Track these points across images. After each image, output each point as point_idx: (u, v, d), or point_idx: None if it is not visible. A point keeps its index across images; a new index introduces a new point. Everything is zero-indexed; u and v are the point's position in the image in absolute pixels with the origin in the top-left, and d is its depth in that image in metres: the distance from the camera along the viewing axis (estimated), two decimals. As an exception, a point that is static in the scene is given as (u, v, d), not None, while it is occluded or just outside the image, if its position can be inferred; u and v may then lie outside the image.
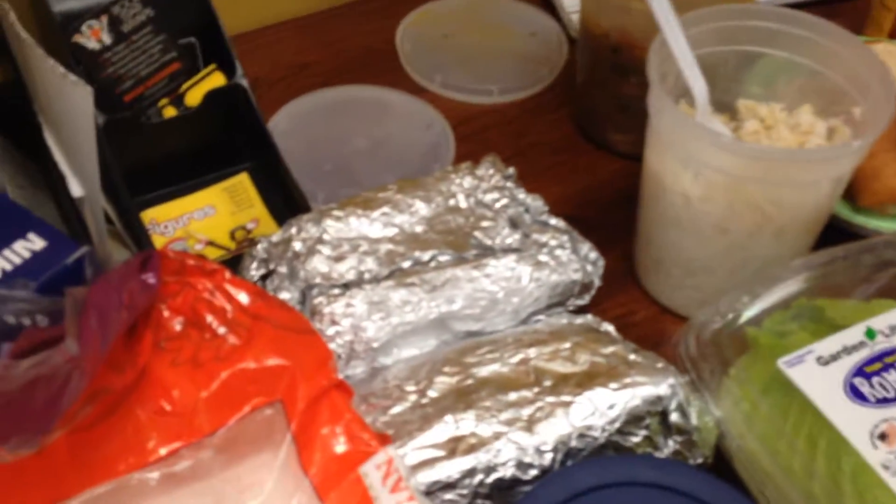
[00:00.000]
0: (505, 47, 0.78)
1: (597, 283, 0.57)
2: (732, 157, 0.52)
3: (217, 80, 0.64)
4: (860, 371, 0.47)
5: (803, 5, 0.80)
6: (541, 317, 0.55)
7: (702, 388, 0.49)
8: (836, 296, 0.53)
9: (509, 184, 0.60)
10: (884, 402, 0.46)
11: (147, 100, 0.64)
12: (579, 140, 0.72)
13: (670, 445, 0.48)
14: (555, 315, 0.56)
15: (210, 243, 0.61)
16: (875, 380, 0.47)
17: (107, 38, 0.61)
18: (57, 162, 0.57)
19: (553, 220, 0.58)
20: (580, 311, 0.57)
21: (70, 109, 0.49)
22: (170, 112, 0.64)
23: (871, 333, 0.49)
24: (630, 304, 0.61)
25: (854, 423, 0.45)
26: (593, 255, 0.57)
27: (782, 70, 0.59)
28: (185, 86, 0.64)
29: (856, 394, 0.46)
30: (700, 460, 0.48)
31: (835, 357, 0.48)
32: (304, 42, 0.79)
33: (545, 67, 0.76)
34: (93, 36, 0.61)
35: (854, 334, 0.49)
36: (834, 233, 0.60)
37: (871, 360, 0.48)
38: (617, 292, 0.61)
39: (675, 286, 0.59)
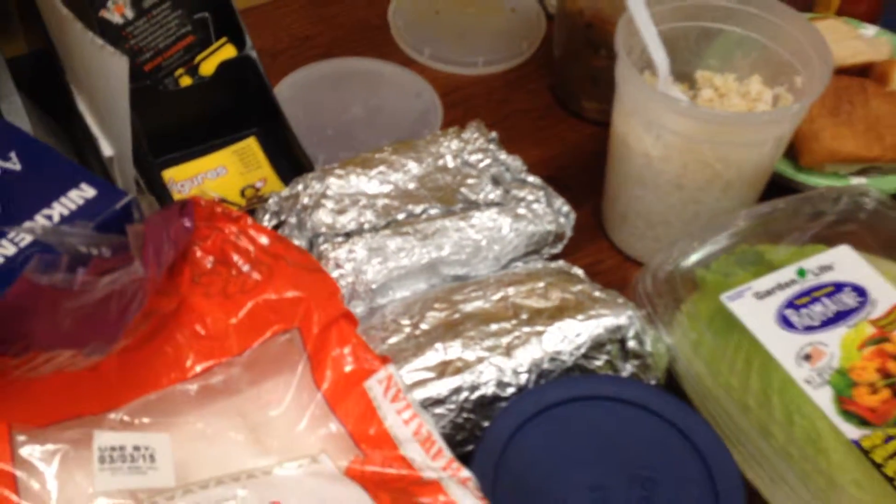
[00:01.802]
0: (489, 23, 0.85)
1: (569, 233, 0.65)
2: (688, 121, 0.60)
3: (229, 51, 0.71)
4: (791, 304, 0.55)
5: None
6: (519, 263, 0.63)
7: (656, 320, 0.57)
8: (775, 241, 0.61)
9: (492, 146, 0.68)
10: (810, 329, 0.54)
11: (165, 70, 0.71)
12: (556, 108, 0.79)
13: (628, 368, 0.56)
14: (531, 261, 0.63)
15: (223, 200, 0.68)
16: (803, 311, 0.55)
17: (129, 13, 0.68)
18: (89, 125, 0.64)
19: (531, 178, 0.66)
20: (554, 258, 0.65)
21: (107, 77, 0.56)
22: (186, 81, 0.70)
23: (802, 272, 0.57)
24: (598, 253, 0.69)
25: (783, 346, 0.53)
26: (566, 208, 0.65)
27: (737, 44, 0.67)
28: (199, 57, 0.71)
29: (786, 323, 0.54)
30: (654, 381, 0.56)
31: (770, 292, 0.56)
32: (306, 16, 0.86)
33: (525, 41, 0.83)
34: (117, 11, 0.67)
35: (787, 273, 0.57)
36: (779, 189, 0.68)
37: (800, 295, 0.56)
38: (587, 243, 0.69)
39: (638, 237, 0.67)
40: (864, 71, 0.72)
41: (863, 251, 0.59)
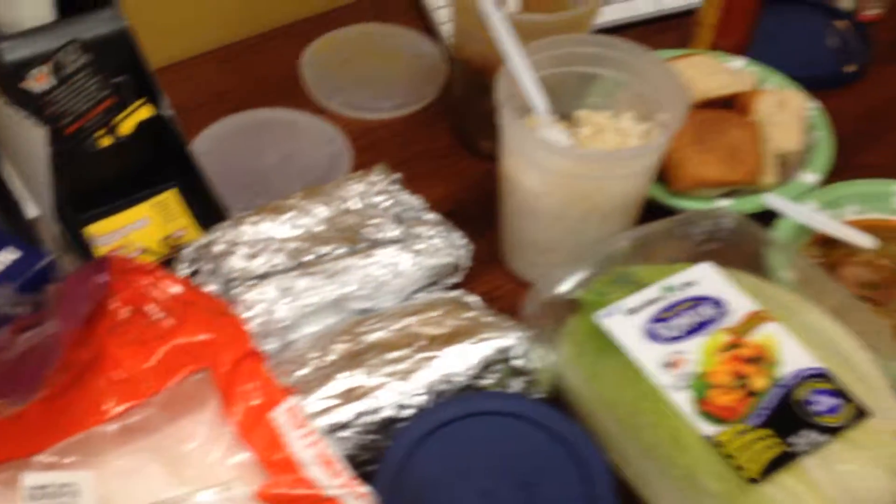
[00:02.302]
0: (394, 70, 0.91)
1: (467, 263, 0.71)
2: (564, 160, 0.66)
3: (146, 111, 0.76)
4: (657, 318, 0.62)
5: (641, 24, 0.95)
6: (421, 294, 0.69)
7: (542, 339, 0.63)
8: (650, 261, 0.67)
9: (395, 187, 0.74)
10: (673, 339, 0.60)
11: (86, 132, 0.76)
12: (456, 147, 0.85)
13: (516, 385, 0.62)
14: (432, 292, 0.69)
15: (145, 250, 0.73)
16: (668, 324, 0.61)
17: (51, 82, 0.72)
18: (14, 188, 0.69)
19: (430, 215, 0.72)
20: (455, 287, 0.71)
21: (28, 144, 0.61)
22: (106, 141, 0.75)
23: (668, 289, 0.63)
24: (496, 280, 0.75)
25: (650, 357, 0.59)
26: (463, 241, 0.71)
27: (612, 85, 0.73)
28: (118, 118, 0.76)
29: (652, 335, 0.61)
30: (541, 395, 0.62)
31: (638, 309, 0.62)
32: (221, 71, 0.91)
33: (429, 86, 0.89)
34: (38, 81, 0.72)
35: (655, 290, 0.63)
36: (657, 212, 0.74)
37: (666, 309, 0.62)
38: (486, 271, 0.75)
39: (530, 264, 0.73)
40: (730, 101, 0.80)
41: (724, 266, 0.66)
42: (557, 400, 0.62)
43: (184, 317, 0.55)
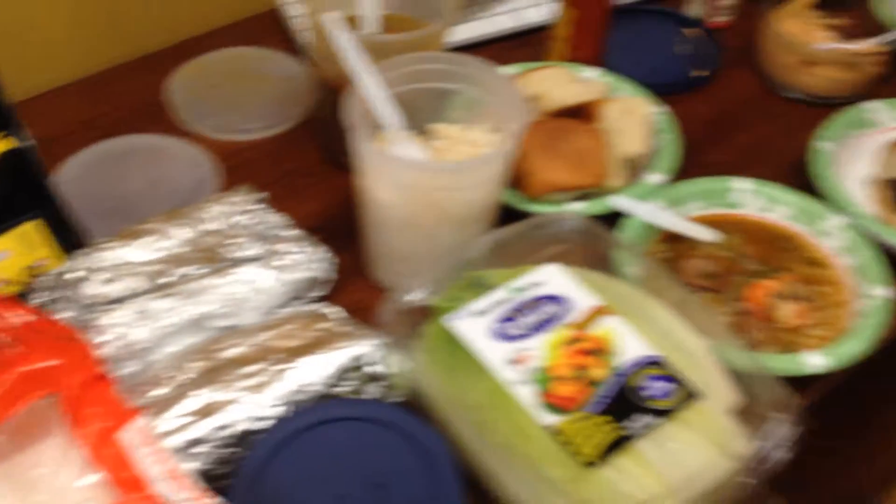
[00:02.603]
0: (263, 91, 0.93)
1: (331, 276, 0.73)
2: (412, 173, 0.69)
3: (5, 144, 0.76)
4: (503, 318, 0.65)
5: (503, 38, 0.99)
6: (286, 309, 0.71)
7: (398, 345, 0.65)
8: (502, 265, 0.70)
9: (258, 206, 0.75)
10: (519, 338, 0.63)
11: (-56, 166, 0.76)
12: (324, 164, 0.87)
13: (373, 391, 0.64)
14: (295, 306, 0.71)
15: (7, 282, 0.73)
16: (515, 322, 0.64)
17: None
18: None
19: (292, 232, 0.74)
20: (321, 300, 0.73)
21: None
22: (-34, 175, 0.75)
23: (516, 290, 0.66)
24: (363, 290, 0.77)
25: (496, 355, 0.62)
26: (325, 255, 0.73)
27: (466, 99, 0.76)
28: (-23, 151, 0.76)
29: (500, 335, 0.64)
30: (398, 399, 0.64)
31: (487, 310, 0.65)
32: (87, 100, 0.92)
33: (297, 106, 0.91)
34: None
35: (504, 292, 0.66)
36: (515, 218, 0.77)
37: (513, 309, 0.65)
38: (354, 283, 0.77)
39: (392, 273, 0.76)
40: (581, 110, 0.84)
41: (573, 266, 0.69)
42: (414, 403, 0.65)
43: (31, 344, 0.56)
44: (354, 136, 0.69)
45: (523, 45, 0.98)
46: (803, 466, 1.55)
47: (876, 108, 0.87)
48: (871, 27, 0.94)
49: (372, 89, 0.71)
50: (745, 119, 0.92)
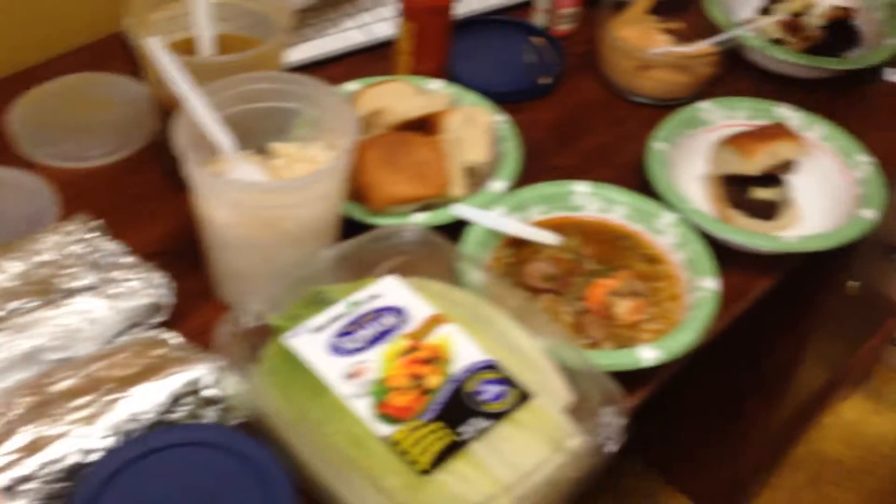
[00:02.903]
0: (106, 116, 0.91)
1: (170, 301, 0.72)
2: (243, 195, 0.69)
3: None
4: (341, 333, 0.65)
5: (355, 53, 0.99)
6: (124, 337, 0.69)
7: (235, 367, 0.65)
8: (345, 279, 0.71)
9: (94, 234, 0.74)
10: (356, 351, 0.64)
11: None
12: (169, 186, 0.86)
13: (210, 414, 0.63)
14: (134, 333, 0.70)
15: None
16: (352, 337, 0.65)
17: None
18: None
19: (129, 259, 0.72)
20: (163, 326, 0.72)
21: None
22: None
23: (353, 304, 0.67)
24: (209, 313, 0.76)
25: (333, 370, 0.63)
26: (163, 280, 0.72)
27: (304, 116, 0.77)
28: None
29: (337, 350, 0.64)
30: (237, 422, 0.64)
31: (325, 326, 0.65)
32: (-80, 134, 0.88)
33: (141, 130, 0.90)
34: None
35: (342, 306, 0.67)
36: (359, 231, 0.78)
37: (350, 323, 0.65)
38: (200, 306, 0.76)
39: (237, 293, 0.75)
40: (425, 122, 0.85)
41: (413, 276, 0.70)
42: (254, 425, 0.64)
43: None
44: (185, 161, 0.69)
45: (376, 59, 0.98)
46: (691, 458, 1.61)
47: (708, 108, 0.91)
48: (706, 29, 0.98)
49: (200, 112, 0.70)
50: (589, 123, 0.95)
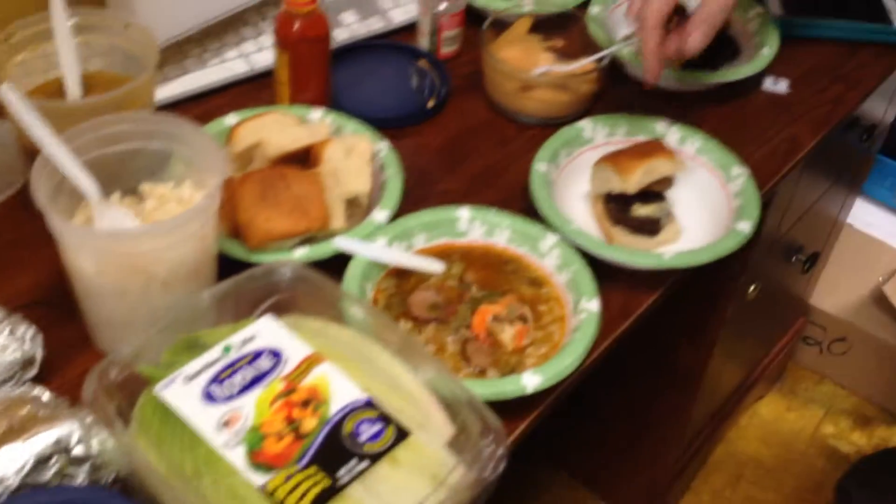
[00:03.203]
0: (-24, 162, 0.88)
1: (39, 354, 0.69)
2: (106, 242, 0.67)
3: None
4: (215, 379, 0.63)
5: (240, 83, 0.98)
6: (-7, 395, 0.67)
7: (108, 421, 0.63)
8: (222, 321, 0.69)
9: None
10: (230, 398, 0.62)
11: None
12: (41, 233, 0.82)
13: (82, 473, 0.61)
14: (3, 391, 0.67)
15: None
16: (226, 383, 0.63)
17: None
18: None
19: (-5, 313, 0.70)
20: (41, 378, 0.69)
21: None
22: None
23: (227, 349, 0.65)
24: (86, 363, 0.73)
25: (206, 420, 0.61)
26: (30, 333, 0.69)
27: (174, 157, 0.74)
28: None
29: (210, 397, 0.62)
30: (112, 479, 0.62)
31: (197, 374, 0.64)
32: None
33: (9, 175, 0.87)
34: None
35: (215, 352, 0.65)
36: (240, 269, 0.76)
37: (224, 369, 0.64)
38: (75, 356, 0.74)
39: (113, 340, 0.73)
40: (305, 153, 0.83)
41: (290, 314, 0.69)
42: (127, 481, 0.62)
43: None
44: (45, 213, 0.66)
45: (260, 88, 0.97)
46: (612, 466, 1.62)
47: (588, 126, 0.92)
48: (588, 46, 0.99)
49: (61, 159, 0.68)
50: (476, 146, 0.95)
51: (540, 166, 0.86)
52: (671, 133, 0.92)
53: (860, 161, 1.48)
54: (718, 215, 0.87)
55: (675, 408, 1.34)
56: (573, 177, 0.89)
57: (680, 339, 1.27)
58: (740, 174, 0.88)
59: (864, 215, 1.72)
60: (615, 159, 0.84)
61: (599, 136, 0.91)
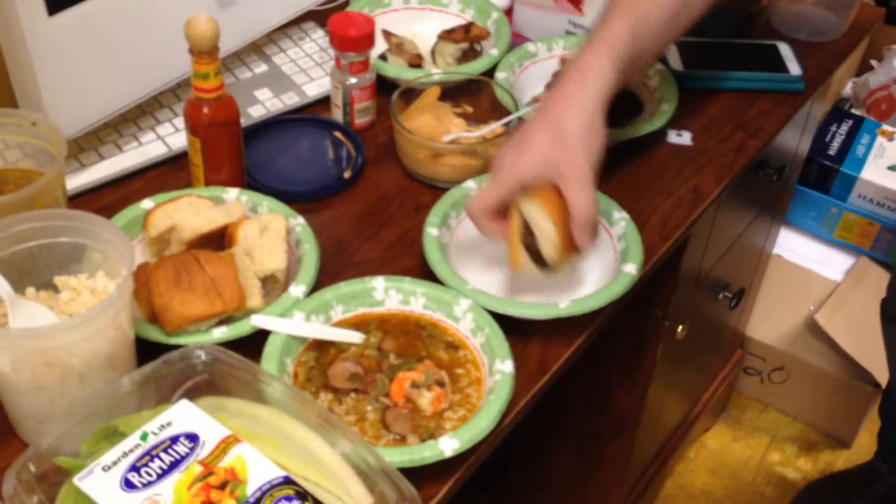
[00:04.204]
0: None
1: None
2: (19, 342, 0.68)
3: None
4: (133, 467, 0.64)
5: (158, 164, 0.99)
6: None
7: (26, 518, 0.63)
8: (141, 408, 0.70)
9: None
10: (148, 485, 0.63)
11: None
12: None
13: (-1, 574, 0.61)
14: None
15: None
16: (144, 470, 0.64)
17: None
18: None
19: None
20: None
21: None
22: None
23: (144, 436, 0.66)
24: (13, 455, 0.74)
25: (124, 510, 0.62)
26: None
27: (86, 249, 0.76)
28: None
29: (129, 485, 0.63)
30: (31, 576, 0.62)
31: (115, 462, 0.64)
32: None
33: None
34: None
35: (132, 440, 0.66)
36: (164, 351, 0.77)
37: (142, 457, 0.65)
38: (7, 446, 0.74)
39: (35, 432, 0.73)
40: (220, 235, 0.85)
41: (208, 395, 0.70)
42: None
43: None
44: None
45: (178, 169, 0.99)
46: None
47: (474, 185, 0.95)
48: (496, 111, 1.03)
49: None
50: (392, 213, 0.98)
51: (431, 231, 0.89)
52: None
53: (779, 195, 1.54)
54: (607, 260, 0.91)
55: (616, 449, 1.36)
56: (468, 232, 0.91)
57: (614, 382, 1.30)
58: (621, 218, 0.93)
59: (792, 245, 1.78)
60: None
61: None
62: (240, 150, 0.93)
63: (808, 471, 1.77)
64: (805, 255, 1.78)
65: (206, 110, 0.87)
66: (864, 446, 1.79)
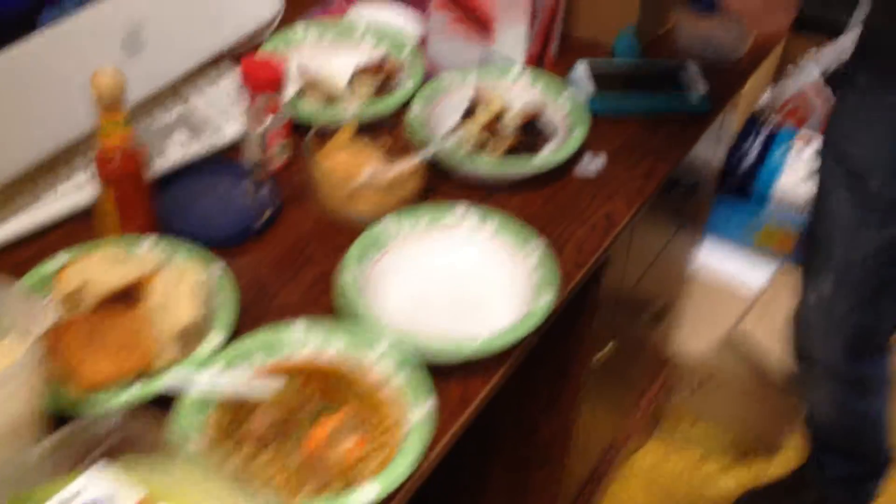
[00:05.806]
0: None
1: None
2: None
3: None
4: (44, 540, 0.63)
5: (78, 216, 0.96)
6: None
7: None
8: (54, 476, 0.68)
9: None
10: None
11: None
12: None
13: None
14: None
15: None
16: (56, 543, 0.62)
17: None
18: None
19: None
20: None
21: None
22: None
23: (57, 505, 0.65)
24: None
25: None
26: None
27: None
28: None
29: (40, 560, 0.61)
30: None
31: (23, 537, 0.63)
32: None
33: None
34: None
35: (44, 513, 0.64)
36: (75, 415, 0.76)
37: (54, 528, 0.63)
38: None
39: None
40: (133, 289, 0.84)
41: (123, 456, 0.69)
42: None
43: None
44: None
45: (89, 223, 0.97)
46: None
47: (392, 222, 0.96)
48: (412, 145, 1.03)
49: None
50: (311, 254, 0.97)
51: (348, 273, 0.89)
52: (469, 216, 0.97)
53: (696, 210, 1.57)
54: (523, 292, 0.91)
55: (544, 477, 1.37)
56: (387, 269, 0.92)
57: (540, 409, 1.30)
58: (537, 246, 0.94)
59: (715, 256, 1.82)
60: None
61: (404, 228, 0.96)
62: (150, 199, 0.92)
63: (743, 477, 1.80)
64: (728, 264, 1.82)
65: (114, 162, 0.86)
66: (797, 449, 1.83)
